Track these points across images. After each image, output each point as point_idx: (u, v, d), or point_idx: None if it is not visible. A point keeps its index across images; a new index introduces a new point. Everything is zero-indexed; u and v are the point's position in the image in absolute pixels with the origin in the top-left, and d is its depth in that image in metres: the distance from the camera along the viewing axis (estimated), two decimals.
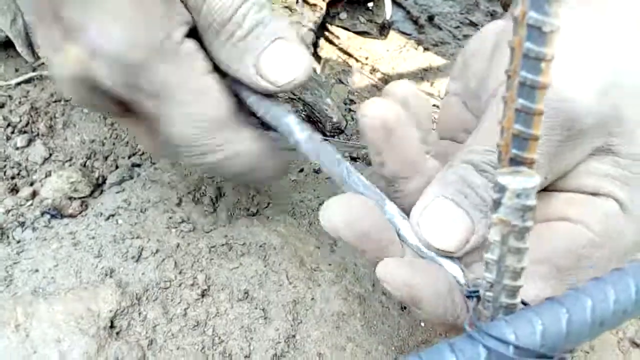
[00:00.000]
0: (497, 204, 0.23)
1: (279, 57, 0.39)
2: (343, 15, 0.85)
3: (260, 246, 0.52)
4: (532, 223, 0.23)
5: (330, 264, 0.52)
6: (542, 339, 0.24)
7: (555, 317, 0.25)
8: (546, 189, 0.35)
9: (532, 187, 0.22)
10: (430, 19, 1.10)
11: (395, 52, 0.99)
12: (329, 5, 0.79)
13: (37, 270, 0.47)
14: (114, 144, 0.66)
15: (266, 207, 0.58)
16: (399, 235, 0.35)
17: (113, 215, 0.53)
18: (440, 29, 1.09)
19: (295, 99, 0.68)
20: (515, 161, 0.24)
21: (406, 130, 0.34)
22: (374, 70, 0.90)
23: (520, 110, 0.23)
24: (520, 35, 0.22)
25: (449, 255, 0.33)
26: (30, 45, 0.73)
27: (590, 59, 0.32)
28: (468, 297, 0.31)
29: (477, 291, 0.30)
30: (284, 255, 0.52)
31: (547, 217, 0.34)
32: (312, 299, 0.49)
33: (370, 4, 0.85)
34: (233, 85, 0.42)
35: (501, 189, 0.22)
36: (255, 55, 0.38)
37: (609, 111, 0.31)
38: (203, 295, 0.47)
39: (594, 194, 0.34)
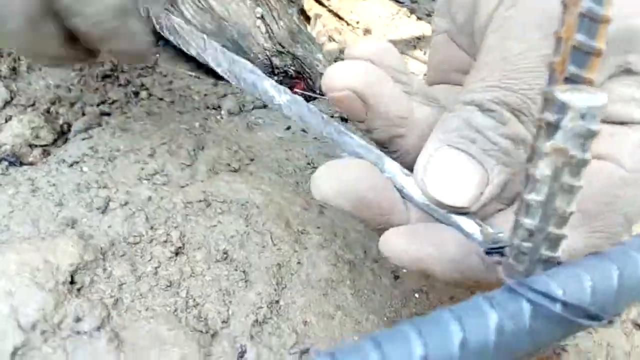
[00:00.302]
0: (553, 128, 0.19)
1: None
2: None
3: (242, 204, 0.47)
4: (591, 155, 0.19)
5: (318, 227, 0.48)
6: (593, 297, 0.20)
7: (606, 274, 0.21)
8: None
9: (600, 106, 0.18)
10: None
11: (388, 19, 0.94)
12: None
13: None
14: (81, 90, 0.60)
15: (249, 163, 0.53)
16: (403, 194, 0.31)
17: (77, 163, 0.47)
18: None
19: (284, 53, 0.63)
20: (571, 81, 0.19)
21: (382, 88, 0.30)
22: (366, 32, 0.85)
23: (585, 15, 0.18)
24: None
25: (462, 212, 0.29)
26: None
27: None
28: (487, 254, 0.27)
29: (500, 248, 0.26)
30: (268, 214, 0.47)
31: None
32: (298, 263, 0.45)
33: None
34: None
35: (561, 108, 0.18)
36: None
37: (625, 22, 0.27)
38: (177, 254, 0.42)
39: (621, 123, 0.29)
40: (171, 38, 0.45)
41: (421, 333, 0.19)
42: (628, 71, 0.28)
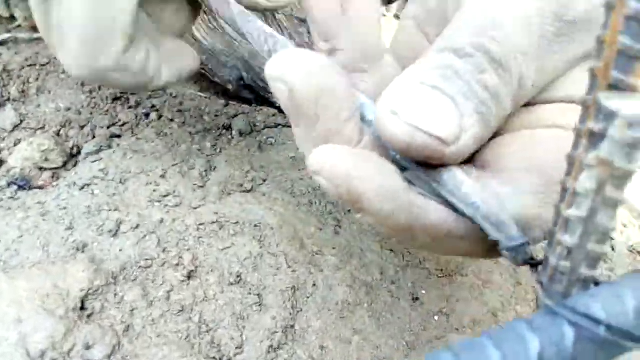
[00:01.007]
0: (598, 138, 0.17)
1: None
2: None
3: (256, 226, 0.46)
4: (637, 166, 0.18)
5: (334, 248, 0.47)
6: (637, 318, 0.19)
7: None
8: (529, 103, 0.28)
9: None
10: None
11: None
12: None
13: None
14: (91, 113, 0.59)
15: (262, 183, 0.52)
16: (364, 119, 0.27)
17: (88, 185, 0.46)
18: None
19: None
20: (615, 88, 0.18)
21: (363, 5, 0.27)
22: None
23: (632, 17, 0.17)
24: None
25: (436, 156, 0.24)
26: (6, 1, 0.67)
27: None
28: (509, 251, 0.25)
29: (523, 244, 0.24)
30: (282, 236, 0.46)
31: (532, 126, 0.28)
32: (314, 285, 0.43)
33: None
34: None
35: (607, 117, 0.17)
36: None
37: (599, 5, 0.26)
38: (189, 277, 0.41)
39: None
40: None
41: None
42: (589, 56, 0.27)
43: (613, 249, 0.57)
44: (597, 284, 0.21)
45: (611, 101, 0.17)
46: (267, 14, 0.63)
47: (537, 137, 0.27)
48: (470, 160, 0.27)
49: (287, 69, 0.24)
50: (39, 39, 0.68)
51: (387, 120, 0.23)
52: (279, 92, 0.25)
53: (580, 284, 0.21)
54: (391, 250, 0.49)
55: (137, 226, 0.43)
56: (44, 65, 0.64)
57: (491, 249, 0.26)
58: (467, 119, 0.24)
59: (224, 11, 0.38)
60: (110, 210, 0.44)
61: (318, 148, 0.24)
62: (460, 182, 0.25)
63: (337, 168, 0.24)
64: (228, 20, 0.38)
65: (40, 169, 0.53)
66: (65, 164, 0.54)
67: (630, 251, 0.57)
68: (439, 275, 0.48)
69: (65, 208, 0.44)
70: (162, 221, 0.44)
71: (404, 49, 0.34)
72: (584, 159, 0.18)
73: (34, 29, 0.72)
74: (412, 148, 0.23)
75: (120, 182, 0.47)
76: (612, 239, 0.57)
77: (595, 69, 0.18)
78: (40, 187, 0.51)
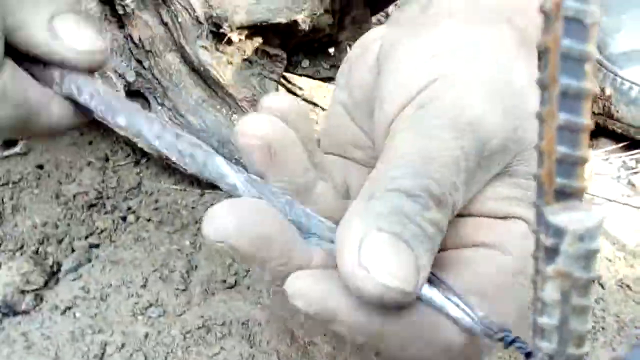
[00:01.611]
0: (552, 252, 0.17)
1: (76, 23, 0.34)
2: (305, 62, 0.81)
3: (243, 324, 0.45)
4: (596, 272, 0.18)
5: (325, 335, 0.46)
6: None
7: None
8: None
9: (597, 226, 0.17)
10: None
11: None
12: (289, 54, 0.75)
13: None
14: (68, 224, 0.59)
15: (245, 275, 0.51)
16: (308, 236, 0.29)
17: (70, 308, 0.46)
18: None
19: None
20: (562, 193, 0.18)
21: (292, 151, 0.29)
22: None
23: (563, 127, 0.18)
24: (555, 32, 0.17)
25: (401, 301, 0.26)
26: None
27: (491, 78, 0.31)
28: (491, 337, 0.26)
29: (505, 335, 0.25)
30: (271, 331, 0.45)
31: (458, 243, 0.32)
32: None
33: (331, 49, 0.82)
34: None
35: (557, 233, 0.17)
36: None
37: (513, 134, 0.30)
38: None
39: (503, 218, 0.32)
40: (92, 105, 0.36)
41: None
42: (504, 173, 0.31)
43: (603, 287, 0.56)
44: None
45: (558, 217, 0.17)
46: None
47: (463, 258, 0.31)
48: None
49: (219, 230, 0.26)
50: (8, 157, 0.68)
51: (358, 275, 0.25)
52: (221, 250, 0.26)
53: None
54: None
55: (123, 345, 0.42)
56: (16, 182, 0.64)
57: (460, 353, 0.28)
58: (421, 260, 0.26)
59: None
60: (94, 333, 0.43)
61: (291, 276, 0.27)
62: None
63: (311, 292, 0.26)
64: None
65: (22, 292, 0.52)
66: (46, 283, 0.53)
67: (620, 286, 0.57)
68: None
69: (49, 337, 0.43)
70: (147, 336, 0.43)
71: (338, 134, 0.38)
72: (544, 272, 0.18)
73: (5, 144, 0.73)
74: (383, 301, 0.25)
75: (102, 298, 0.46)
76: (600, 277, 0.57)
77: (540, 177, 0.19)
78: (24, 312, 0.50)
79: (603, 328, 0.51)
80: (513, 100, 0.30)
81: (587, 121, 0.18)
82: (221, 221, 0.26)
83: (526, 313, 0.30)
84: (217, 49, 0.60)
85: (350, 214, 0.27)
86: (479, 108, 0.29)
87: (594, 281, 0.18)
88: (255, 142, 0.28)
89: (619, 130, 0.78)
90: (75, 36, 0.34)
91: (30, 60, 0.35)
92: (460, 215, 0.31)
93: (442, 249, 0.29)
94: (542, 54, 0.18)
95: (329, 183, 0.32)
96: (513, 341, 0.26)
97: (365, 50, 0.36)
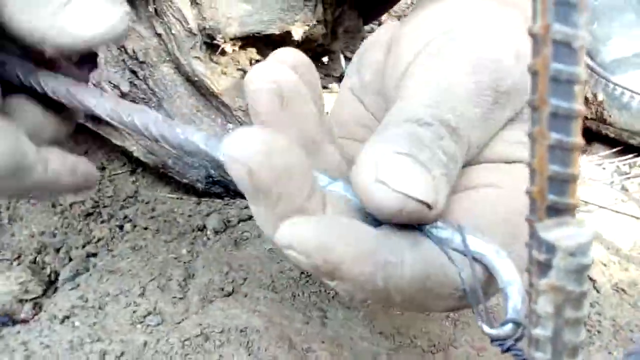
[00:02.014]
0: (545, 267, 0.18)
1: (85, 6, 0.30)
2: None
3: (241, 331, 0.46)
4: (588, 286, 0.18)
5: (323, 342, 0.46)
6: None
7: None
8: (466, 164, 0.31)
9: (588, 242, 0.17)
10: None
11: None
12: None
13: None
14: (66, 233, 0.59)
15: (242, 283, 0.52)
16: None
17: (68, 317, 0.46)
18: None
19: None
20: (554, 210, 0.19)
21: (304, 102, 0.28)
22: None
23: (554, 147, 0.18)
24: (544, 55, 0.17)
25: (421, 217, 0.25)
26: None
27: (504, 29, 0.32)
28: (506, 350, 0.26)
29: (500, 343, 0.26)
30: (269, 338, 0.45)
31: (472, 185, 0.31)
32: None
33: (325, 59, 0.82)
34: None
35: (549, 249, 0.18)
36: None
37: (521, 76, 0.31)
38: None
39: (513, 162, 0.32)
40: (60, 97, 0.35)
41: None
42: (519, 119, 0.32)
43: (598, 291, 0.57)
44: None
45: (550, 233, 0.18)
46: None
47: (477, 197, 0.30)
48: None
49: (245, 150, 0.23)
50: None
51: (375, 189, 0.24)
52: (236, 173, 0.24)
53: None
54: (381, 333, 0.48)
55: (122, 354, 0.42)
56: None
57: (461, 299, 0.27)
58: (438, 182, 0.26)
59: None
60: (92, 342, 0.43)
61: (286, 222, 0.24)
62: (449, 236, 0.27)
63: (310, 239, 0.23)
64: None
65: (21, 301, 0.53)
66: (45, 292, 0.53)
67: (615, 290, 0.57)
68: (432, 352, 0.48)
69: (48, 346, 0.43)
70: (145, 344, 0.43)
71: (347, 118, 0.38)
72: (537, 285, 0.19)
73: None
74: (402, 215, 0.24)
75: (100, 307, 0.47)
76: (594, 282, 0.58)
77: (532, 193, 0.19)
78: (23, 321, 0.50)
79: (599, 332, 0.51)
80: (525, 50, 0.29)
81: (577, 140, 0.18)
82: (249, 141, 0.24)
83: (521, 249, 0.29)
84: (212, 60, 0.61)
85: (366, 144, 0.26)
86: (494, 49, 0.30)
87: (587, 294, 0.18)
88: (268, 86, 0.26)
89: (612, 135, 0.79)
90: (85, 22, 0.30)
91: None
92: (476, 163, 0.32)
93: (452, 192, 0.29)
94: (533, 75, 0.18)
95: (336, 146, 0.31)
96: (509, 349, 0.26)
97: (377, 37, 0.37)
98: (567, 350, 0.19)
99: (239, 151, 0.23)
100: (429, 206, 0.25)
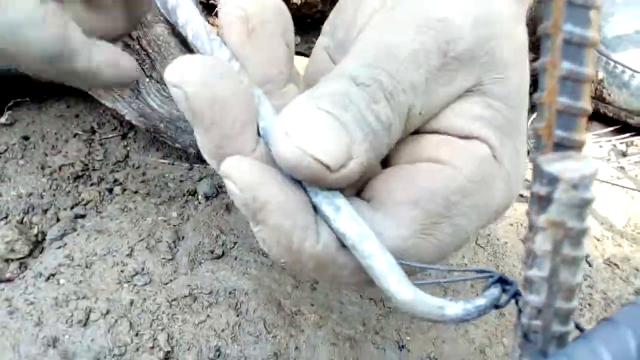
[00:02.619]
0: (545, 201, 0.17)
1: None
2: (297, 40, 0.80)
3: (230, 293, 0.45)
4: (588, 223, 0.18)
5: (312, 305, 0.46)
6: None
7: (623, 345, 0.19)
8: (415, 132, 0.30)
9: (592, 174, 0.17)
10: None
11: None
12: None
13: None
14: (54, 195, 0.58)
15: (232, 247, 0.51)
16: (261, 133, 0.27)
17: (54, 275, 0.45)
18: None
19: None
20: (561, 146, 0.18)
21: (270, 32, 0.28)
22: None
23: (566, 77, 0.17)
24: None
25: (320, 178, 0.24)
26: None
27: None
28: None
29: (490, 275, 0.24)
30: (258, 300, 0.45)
31: (414, 158, 0.29)
32: (296, 348, 0.42)
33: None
34: None
35: (551, 181, 0.17)
36: None
37: (483, 43, 0.28)
38: (166, 359, 0.40)
39: (465, 137, 0.29)
40: None
41: None
42: (478, 91, 0.29)
43: (590, 265, 0.57)
44: (579, 329, 0.21)
45: (552, 165, 0.17)
46: None
47: (416, 172, 0.28)
48: (360, 190, 0.29)
49: (183, 75, 0.25)
50: None
51: (279, 139, 0.24)
52: (176, 97, 0.25)
53: (555, 340, 0.20)
54: (370, 299, 0.48)
55: (107, 312, 0.42)
56: (1, 153, 0.63)
57: (370, 280, 0.26)
58: (357, 146, 0.25)
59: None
60: (78, 299, 0.42)
61: (231, 157, 0.25)
62: (337, 210, 0.26)
63: (246, 175, 0.24)
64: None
65: (7, 260, 0.52)
66: (31, 252, 0.52)
67: (607, 264, 0.57)
68: None
69: (32, 303, 0.43)
70: (132, 303, 0.43)
71: (317, 74, 0.35)
72: (536, 223, 0.18)
73: None
74: (298, 170, 0.24)
75: (87, 266, 0.46)
76: (587, 256, 0.57)
77: (538, 130, 0.18)
78: (8, 280, 0.49)
79: (590, 305, 0.51)
80: (490, 16, 0.29)
81: (589, 71, 0.17)
82: (188, 68, 0.25)
83: (451, 252, 0.29)
84: (207, 21, 0.59)
85: (298, 96, 0.26)
86: (447, 9, 0.28)
87: (586, 232, 0.18)
88: (236, 12, 0.27)
89: (610, 114, 0.78)
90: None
91: None
92: (423, 132, 0.30)
93: (395, 163, 0.29)
94: (546, 1, 0.17)
95: (299, 88, 0.31)
96: (500, 281, 0.25)
97: None
98: (563, 292, 0.19)
99: (177, 77, 0.25)
100: (328, 168, 0.24)
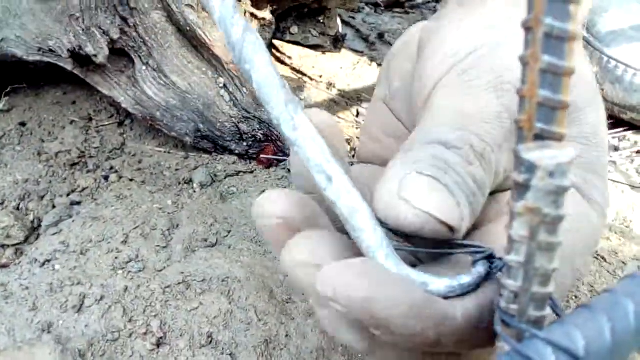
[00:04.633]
0: (523, 188, 0.18)
1: None
2: (294, 29, 0.80)
3: (223, 280, 0.46)
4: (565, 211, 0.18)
5: (303, 293, 0.46)
6: (587, 357, 0.19)
7: (599, 330, 0.20)
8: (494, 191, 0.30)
9: (568, 162, 0.17)
10: (381, 36, 1.08)
11: (349, 69, 0.95)
12: (278, 19, 0.74)
13: None
14: (50, 182, 0.59)
15: (226, 235, 0.52)
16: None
17: (49, 261, 0.46)
18: (392, 44, 1.07)
19: (250, 118, 0.63)
20: (541, 138, 0.19)
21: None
22: (330, 85, 0.85)
23: (546, 70, 0.18)
24: None
25: (443, 238, 0.24)
26: None
27: (515, 48, 0.29)
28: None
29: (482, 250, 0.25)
30: (250, 288, 0.45)
31: (498, 216, 0.29)
32: (287, 335, 0.43)
33: (321, 17, 0.81)
34: None
35: (529, 168, 0.17)
36: None
37: None
38: (159, 345, 0.40)
39: None
40: None
41: None
42: None
43: None
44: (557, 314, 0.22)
45: (530, 153, 0.17)
46: None
47: (487, 234, 0.28)
48: None
49: (268, 212, 0.25)
50: None
51: (397, 204, 0.24)
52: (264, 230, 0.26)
53: (531, 324, 0.21)
54: None
55: (102, 298, 0.42)
56: None
57: None
58: (463, 208, 0.25)
59: None
60: (72, 285, 0.43)
61: (324, 270, 0.22)
62: (329, 180, 0.25)
63: (356, 291, 0.21)
64: None
65: (3, 246, 0.52)
66: (27, 238, 0.53)
67: (595, 257, 0.58)
68: None
69: (27, 288, 0.43)
70: (126, 289, 0.43)
71: (377, 128, 0.38)
72: (513, 209, 0.18)
73: None
74: (422, 232, 0.24)
75: (82, 253, 0.46)
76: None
77: (520, 122, 0.19)
78: (4, 266, 0.50)
79: (576, 297, 0.52)
80: None
81: (570, 65, 0.18)
82: (269, 203, 0.25)
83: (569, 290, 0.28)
84: (204, 9, 0.60)
85: (390, 162, 0.26)
86: (510, 71, 0.29)
87: (562, 219, 0.18)
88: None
89: None
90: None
91: None
92: (502, 190, 0.30)
93: (475, 226, 0.27)
94: None
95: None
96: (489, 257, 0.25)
97: (405, 43, 0.36)
98: (538, 277, 0.19)
99: (266, 214, 0.25)
100: (451, 229, 0.24)
